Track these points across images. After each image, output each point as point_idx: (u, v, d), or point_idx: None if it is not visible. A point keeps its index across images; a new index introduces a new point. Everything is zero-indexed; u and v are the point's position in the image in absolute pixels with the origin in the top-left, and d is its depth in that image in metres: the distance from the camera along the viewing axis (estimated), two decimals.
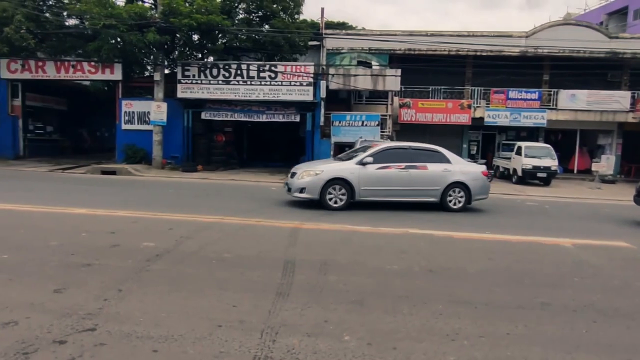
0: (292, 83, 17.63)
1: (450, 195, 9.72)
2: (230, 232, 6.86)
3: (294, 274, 4.75)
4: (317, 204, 9.30)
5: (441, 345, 3.26)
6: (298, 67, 17.90)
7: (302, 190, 9.27)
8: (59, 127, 23.30)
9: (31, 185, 11.89)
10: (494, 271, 5.27)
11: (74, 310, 3.59)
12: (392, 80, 18.67)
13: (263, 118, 18.55)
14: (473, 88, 22.28)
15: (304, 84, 17.60)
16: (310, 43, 20.12)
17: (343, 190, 9.25)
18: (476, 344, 3.31)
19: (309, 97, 17.64)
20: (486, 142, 23.60)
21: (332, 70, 18.96)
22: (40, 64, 18.44)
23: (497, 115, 21.12)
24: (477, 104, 21.68)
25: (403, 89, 20.80)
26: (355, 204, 9.35)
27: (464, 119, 21.08)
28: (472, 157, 23.08)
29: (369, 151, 9.72)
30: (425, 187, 9.64)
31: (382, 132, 18.73)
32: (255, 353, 3.01)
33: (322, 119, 18.25)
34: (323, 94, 17.81)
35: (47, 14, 16.97)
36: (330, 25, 22.99)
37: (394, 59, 21.53)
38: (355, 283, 4.56)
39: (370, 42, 21.06)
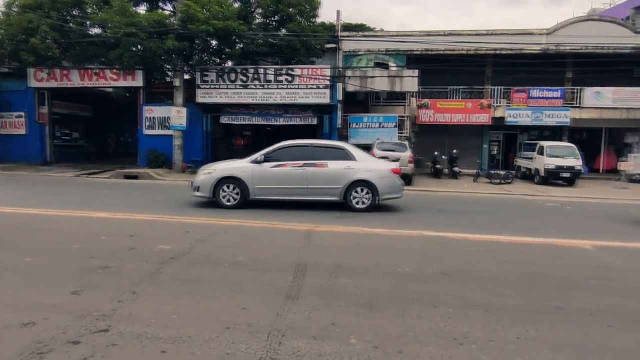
0: (309, 86, 17.71)
1: (354, 195, 9.28)
2: (246, 235, 6.95)
3: (305, 277, 4.78)
4: (336, 207, 9.32)
5: (448, 349, 3.23)
6: (314, 70, 17.98)
7: (197, 188, 9.32)
8: (85, 133, 24.01)
9: (57, 190, 12.28)
10: (508, 274, 5.18)
11: (89, 312, 3.70)
12: (410, 81, 18.56)
13: (280, 121, 18.69)
14: (493, 87, 21.94)
15: (321, 86, 17.66)
16: (327, 46, 20.20)
17: (237, 190, 9.16)
18: (484, 348, 3.27)
19: (325, 100, 17.69)
20: (508, 142, 23.19)
21: (348, 73, 18.99)
22: (65, 72, 19.04)
23: (519, 114, 20.72)
24: (497, 103, 21.33)
25: (421, 90, 20.65)
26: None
27: (483, 118, 20.77)
28: (493, 157, 22.73)
29: (266, 149, 9.60)
30: (324, 186, 9.23)
31: (400, 133, 18.64)
32: (261, 355, 3.04)
33: (339, 121, 18.28)
34: (340, 96, 17.84)
35: (71, 24, 17.53)
36: (347, 27, 23.03)
37: (412, 60, 21.39)
38: (366, 286, 4.56)
39: (387, 43, 20.98)
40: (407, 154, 15.90)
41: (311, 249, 6.14)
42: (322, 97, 17.67)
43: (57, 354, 3.01)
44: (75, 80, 19.13)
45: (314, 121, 18.54)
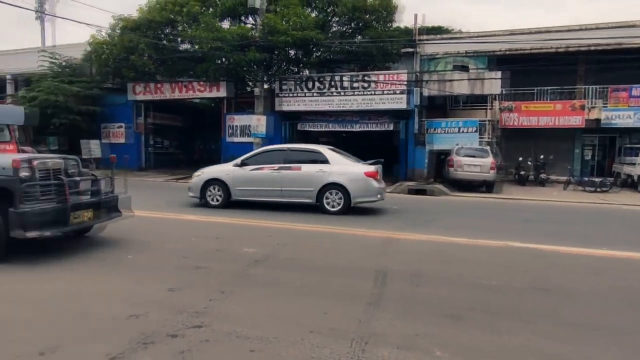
0: (385, 92, 17.60)
1: (327, 197, 9.40)
2: (324, 240, 7.06)
3: (385, 284, 4.75)
4: (409, 214, 9.15)
5: None
6: (391, 75, 17.84)
7: (189, 189, 10.43)
8: (175, 141, 25.98)
9: (150, 194, 13.38)
10: (607, 291, 4.72)
11: (184, 308, 3.99)
12: (492, 84, 17.71)
13: (357, 127, 18.77)
14: (587, 87, 20.19)
15: (397, 92, 17.46)
16: (404, 50, 19.95)
17: (220, 191, 9.94)
18: None
19: (402, 105, 17.46)
20: (605, 146, 21.17)
21: (426, 77, 18.58)
22: (159, 85, 20.77)
23: (618, 115, 18.85)
24: (592, 104, 19.59)
25: (504, 92, 19.59)
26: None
27: (575, 121, 19.17)
28: (587, 163, 20.89)
29: (247, 154, 10.35)
30: (298, 188, 9.55)
31: (481, 138, 17.83)
32: None
33: (416, 126, 17.94)
34: (417, 101, 17.51)
35: (164, 42, 19.09)
36: (424, 30, 22.57)
37: (494, 61, 20.40)
38: (449, 296, 4.42)
39: (466, 45, 20.22)
40: (489, 160, 15.17)
41: (389, 256, 6.09)
42: (399, 103, 17.46)
43: (158, 345, 3.28)
44: (167, 92, 20.77)
45: (391, 127, 18.38)
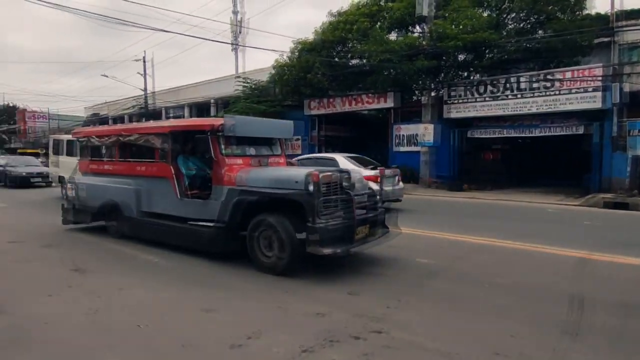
0: (573, 90, 15.46)
1: None
2: (502, 256, 6.57)
3: (582, 311, 4.17)
4: (606, 231, 7.83)
5: None
6: (581, 71, 15.60)
7: None
8: (344, 151, 27.41)
9: None
10: None
11: (363, 312, 4.18)
12: None
13: (536, 132, 16.92)
14: None
15: (589, 89, 15.16)
16: (597, 41, 17.24)
17: None
18: None
19: (596, 105, 15.08)
20: None
21: (627, 69, 15.70)
22: (330, 100, 22.27)
23: None
24: None
25: None
26: None
27: None
28: None
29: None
30: None
31: None
32: None
33: (615, 128, 15.27)
34: (616, 98, 14.90)
35: (336, 59, 20.40)
36: (622, 15, 19.12)
37: None
38: None
39: None
40: None
41: (586, 279, 5.33)
42: (592, 102, 15.13)
43: (343, 345, 3.51)
44: (338, 106, 22.10)
45: (580, 130, 16.03)
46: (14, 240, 7.63)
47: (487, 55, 17.52)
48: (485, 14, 17.84)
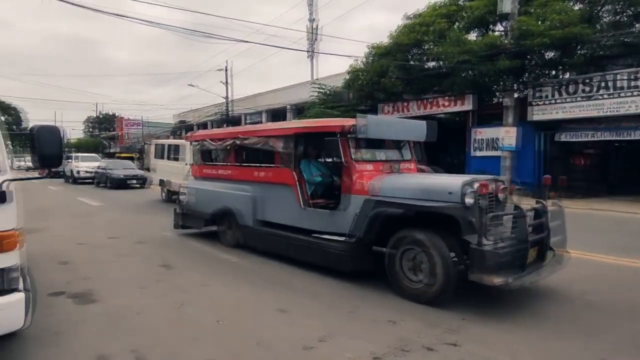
0: None
1: None
2: (597, 270, 6.00)
3: None
4: None
5: None
6: None
7: None
8: (421, 156, 26.79)
9: None
10: None
11: (438, 323, 4.05)
12: None
13: (636, 135, 15.27)
14: None
15: None
16: None
17: None
18: None
19: None
20: None
21: None
22: (405, 104, 21.87)
23: None
24: None
25: None
26: None
27: None
28: None
29: None
30: None
31: None
32: None
33: None
34: None
35: (412, 62, 20.04)
36: None
37: None
38: None
39: None
40: None
41: None
42: None
43: (415, 355, 3.43)
44: (413, 110, 21.64)
45: None
46: (112, 236, 8.43)
47: (578, 52, 16.17)
48: (576, 8, 16.52)
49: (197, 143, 8.43)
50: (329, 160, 6.31)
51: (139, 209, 12.83)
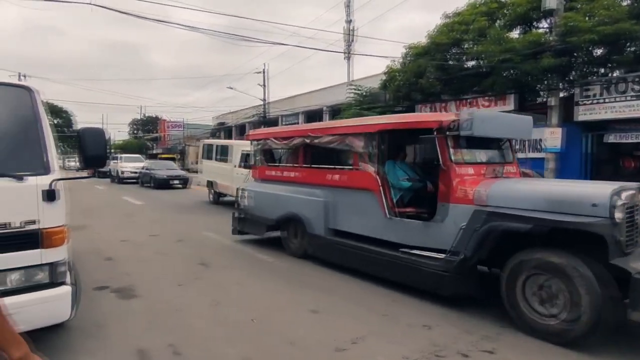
0: None
1: None
2: None
3: None
4: None
5: None
6: None
7: None
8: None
9: None
10: None
11: (475, 329, 3.94)
12: None
13: None
14: None
15: None
16: None
17: None
18: None
19: None
20: None
21: None
22: (443, 105, 21.45)
23: None
24: None
25: None
26: None
27: None
28: None
29: None
30: None
31: None
32: None
33: None
34: None
35: (450, 62, 19.62)
36: None
37: None
38: None
39: None
40: None
41: None
42: None
43: None
44: (452, 111, 21.21)
45: None
46: (153, 234, 8.73)
47: (628, 49, 15.33)
48: (624, 3, 15.65)
49: (258, 142, 7.82)
50: (417, 161, 5.45)
51: (181, 209, 13.22)
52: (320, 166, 6.40)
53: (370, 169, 5.44)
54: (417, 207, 5.27)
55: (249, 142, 8.43)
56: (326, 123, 7.64)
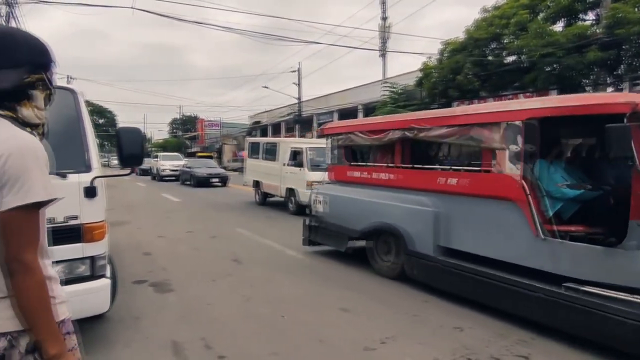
0: None
1: None
2: None
3: None
4: None
5: None
6: None
7: None
8: None
9: None
10: None
11: (508, 334, 3.82)
12: None
13: None
14: None
15: None
16: None
17: None
18: None
19: None
20: None
21: None
22: (481, 101, 20.89)
23: None
24: None
25: None
26: None
27: None
28: None
29: None
30: None
31: None
32: None
33: None
34: None
35: (489, 57, 19.06)
36: None
37: None
38: None
39: None
40: None
41: None
42: None
43: None
44: None
45: None
46: (190, 230, 8.99)
47: None
48: None
49: (337, 137, 6.71)
50: (585, 160, 4.25)
51: (218, 207, 13.51)
52: (428, 166, 5.23)
53: (512, 170, 4.05)
54: (587, 224, 3.91)
55: (324, 137, 7.31)
56: (438, 111, 6.14)
